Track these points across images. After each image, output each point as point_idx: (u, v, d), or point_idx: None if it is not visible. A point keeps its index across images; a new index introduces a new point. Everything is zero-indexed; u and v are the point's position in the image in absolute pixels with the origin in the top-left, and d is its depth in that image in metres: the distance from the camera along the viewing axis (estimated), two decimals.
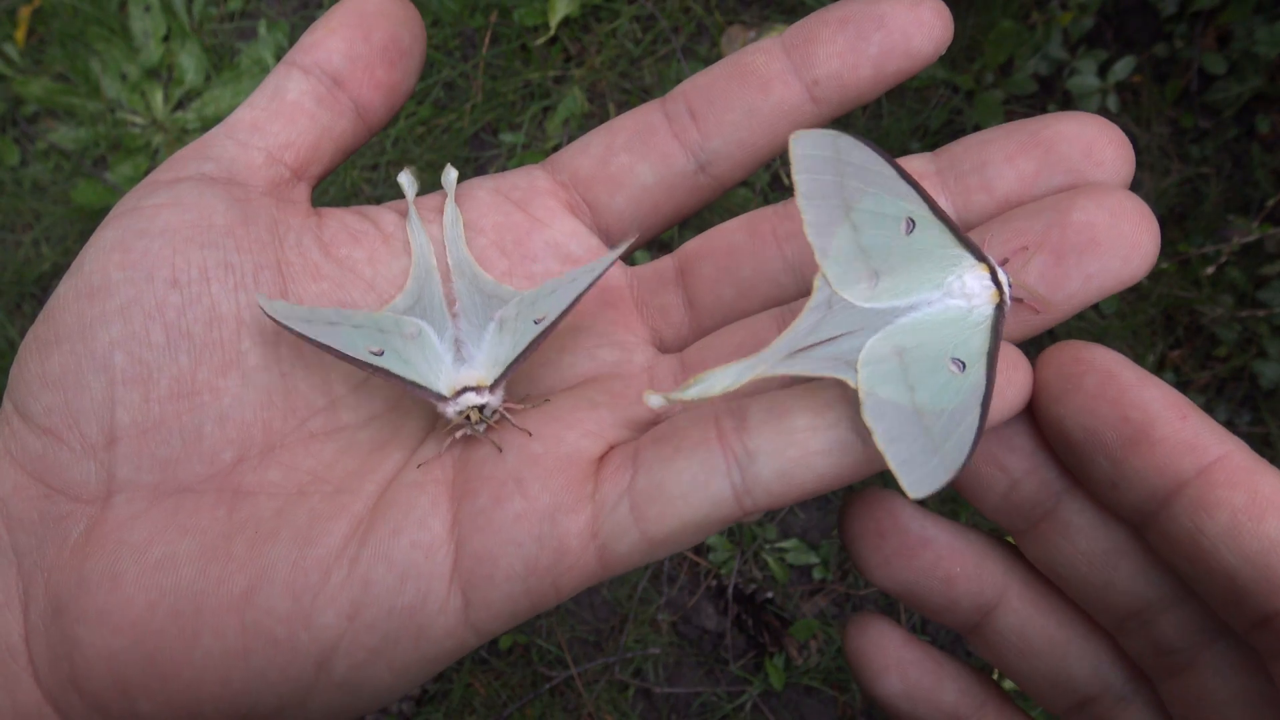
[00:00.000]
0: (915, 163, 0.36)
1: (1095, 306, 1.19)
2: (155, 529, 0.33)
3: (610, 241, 0.40)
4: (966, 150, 0.36)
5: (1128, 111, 1.24)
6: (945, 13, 0.36)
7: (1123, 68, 1.22)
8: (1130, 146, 0.34)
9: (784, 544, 1.17)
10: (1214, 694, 0.33)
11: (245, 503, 0.34)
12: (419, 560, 0.32)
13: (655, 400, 0.31)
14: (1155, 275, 1.18)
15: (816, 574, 1.17)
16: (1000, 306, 0.32)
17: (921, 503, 0.35)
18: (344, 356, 0.35)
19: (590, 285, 0.36)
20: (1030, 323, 0.33)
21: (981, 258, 0.32)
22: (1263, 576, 0.29)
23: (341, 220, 0.39)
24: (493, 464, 0.34)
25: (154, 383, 0.34)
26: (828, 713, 1.16)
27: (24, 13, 1.37)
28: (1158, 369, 1.18)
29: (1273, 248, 1.16)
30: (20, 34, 1.37)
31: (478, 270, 0.40)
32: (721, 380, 0.31)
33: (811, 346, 0.32)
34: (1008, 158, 0.35)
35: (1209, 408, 1.17)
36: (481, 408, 0.35)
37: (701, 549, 1.19)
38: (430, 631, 0.32)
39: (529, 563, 0.32)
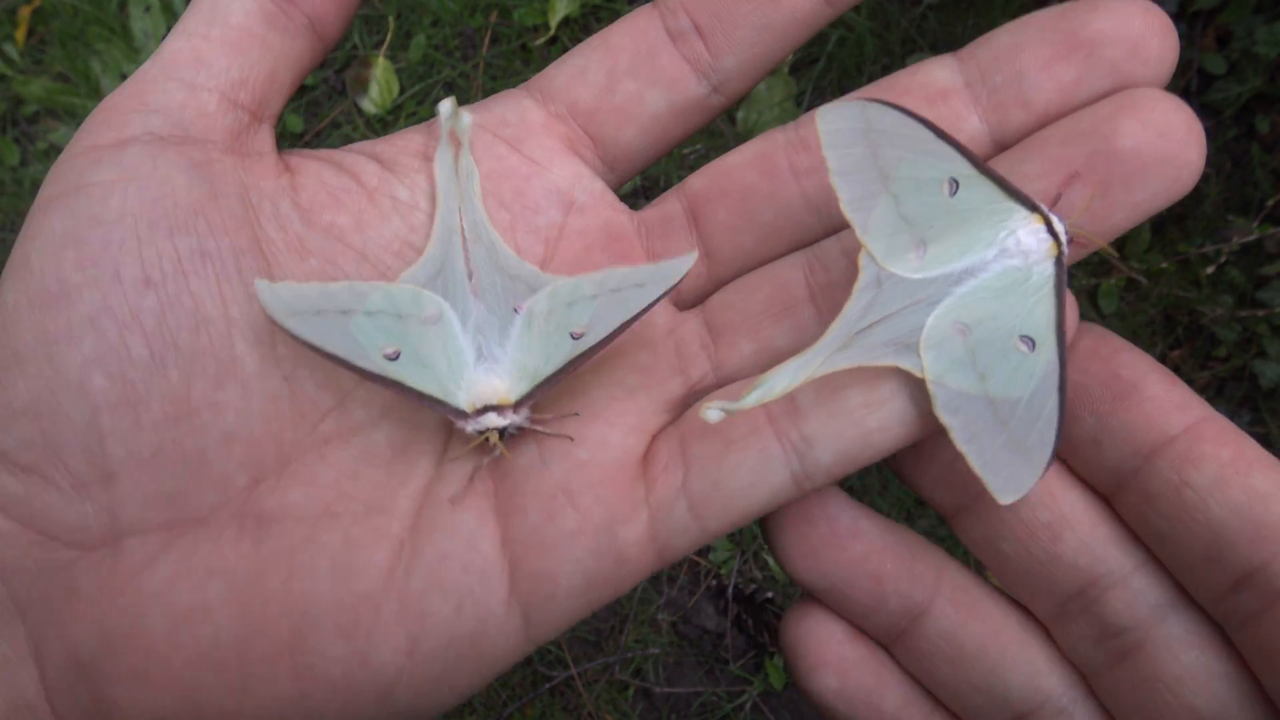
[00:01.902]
0: (938, 71, 0.33)
1: (1095, 306, 1.19)
2: (176, 574, 0.30)
3: (615, 178, 0.37)
4: (998, 58, 0.32)
5: None
6: None
7: None
8: (1173, 29, 0.31)
9: None
10: (1164, 674, 0.31)
11: (270, 532, 0.31)
12: (474, 585, 0.30)
13: (714, 415, 0.29)
14: (1155, 275, 1.18)
15: None
16: (1059, 259, 0.30)
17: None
18: (357, 369, 0.31)
19: (648, 309, 0.32)
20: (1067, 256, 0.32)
21: (1034, 207, 0.30)
22: (1248, 528, 0.29)
23: (318, 177, 0.34)
24: (537, 475, 0.32)
25: (144, 406, 0.30)
26: None
27: (24, 13, 1.37)
28: None
29: (1273, 248, 1.16)
30: (20, 34, 1.37)
31: (498, 241, 0.34)
32: (779, 383, 0.29)
33: (866, 330, 0.30)
34: (1045, 66, 0.31)
35: None
36: (503, 430, 0.32)
37: (702, 549, 1.19)
38: (491, 652, 0.31)
39: (589, 577, 0.31)
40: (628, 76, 0.35)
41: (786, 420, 0.31)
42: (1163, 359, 1.19)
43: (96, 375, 0.29)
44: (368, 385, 0.33)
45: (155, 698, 0.29)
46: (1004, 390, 0.30)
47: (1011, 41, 0.32)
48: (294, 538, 0.31)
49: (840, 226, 0.34)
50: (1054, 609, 0.33)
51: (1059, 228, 0.30)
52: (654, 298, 0.31)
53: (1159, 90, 0.30)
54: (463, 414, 0.32)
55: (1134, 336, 1.19)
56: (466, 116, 0.35)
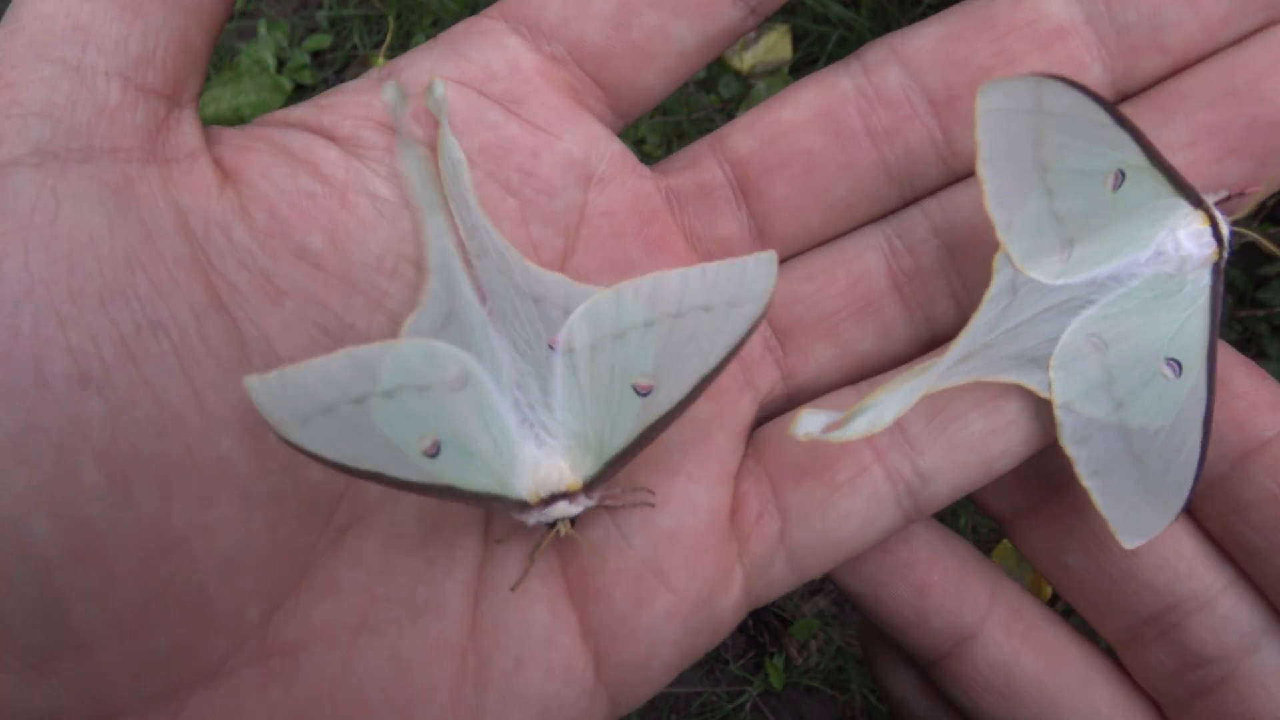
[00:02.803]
0: (1054, 5, 0.27)
1: None
2: None
3: (620, 127, 0.29)
4: None
5: None
6: None
7: None
8: None
9: None
10: (1257, 713, 0.27)
11: (301, 668, 0.25)
12: (557, 689, 0.26)
13: (802, 437, 0.25)
14: None
15: None
16: (1217, 266, 0.26)
17: None
18: (397, 484, 0.24)
19: (739, 348, 0.25)
20: None
21: (1198, 202, 0.26)
22: None
23: (270, 180, 0.26)
24: (617, 551, 0.27)
25: (111, 550, 0.22)
26: (827, 713, 1.16)
27: None
28: None
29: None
30: None
31: (507, 250, 0.27)
32: (890, 408, 0.25)
33: (992, 342, 0.26)
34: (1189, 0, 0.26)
35: None
36: (575, 518, 0.26)
37: None
38: None
39: (683, 653, 0.27)
40: (647, 5, 0.27)
41: (898, 454, 0.27)
42: None
43: (38, 521, 0.21)
44: None
45: None
46: (1142, 420, 0.26)
47: None
48: (331, 668, 0.25)
49: (923, 196, 0.29)
50: (1126, 633, 0.29)
51: (1224, 229, 0.26)
52: (741, 332, 0.25)
53: None
54: (525, 505, 0.26)
55: None
56: (440, 86, 0.26)
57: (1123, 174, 0.26)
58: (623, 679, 0.27)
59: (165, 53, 0.24)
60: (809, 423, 0.25)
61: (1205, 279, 0.26)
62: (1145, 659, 0.29)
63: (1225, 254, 0.26)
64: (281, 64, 1.33)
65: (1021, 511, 0.30)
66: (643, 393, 0.25)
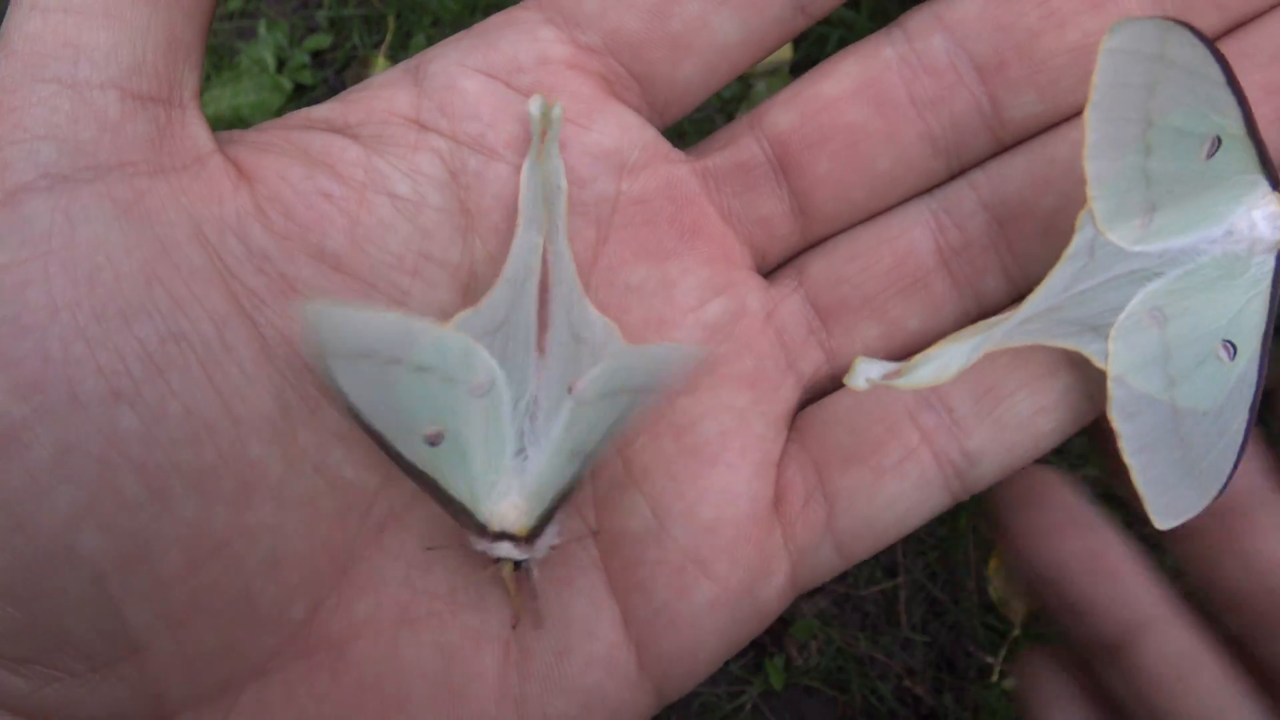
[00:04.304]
0: None
1: None
2: None
3: (660, 124, 0.29)
4: None
5: None
6: None
7: None
8: None
9: None
10: None
11: (347, 661, 0.25)
12: (600, 679, 0.26)
13: (862, 384, 0.25)
14: None
15: None
16: None
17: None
18: (394, 456, 0.25)
19: (635, 415, 0.25)
20: None
21: (1277, 184, 0.26)
22: None
23: (286, 180, 0.26)
24: (656, 542, 0.27)
25: (158, 556, 0.23)
26: (828, 713, 1.16)
27: None
28: None
29: None
30: None
31: (578, 287, 0.27)
32: (955, 359, 0.24)
33: (1058, 306, 0.26)
34: None
35: None
36: (518, 564, 0.26)
37: None
38: None
39: (728, 642, 0.27)
40: None
41: (945, 436, 0.27)
42: None
43: (87, 534, 0.22)
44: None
45: None
46: (1192, 400, 0.26)
47: None
48: (376, 660, 0.25)
49: (971, 168, 0.28)
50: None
51: None
52: (642, 410, 0.25)
53: None
54: (483, 531, 0.26)
55: None
56: (558, 108, 0.26)
57: (1219, 141, 0.25)
58: (666, 669, 0.27)
59: (155, 54, 0.24)
60: (867, 370, 0.25)
61: (1270, 263, 0.26)
62: None
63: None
64: (281, 64, 1.34)
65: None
66: (576, 456, 0.25)
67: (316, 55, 1.35)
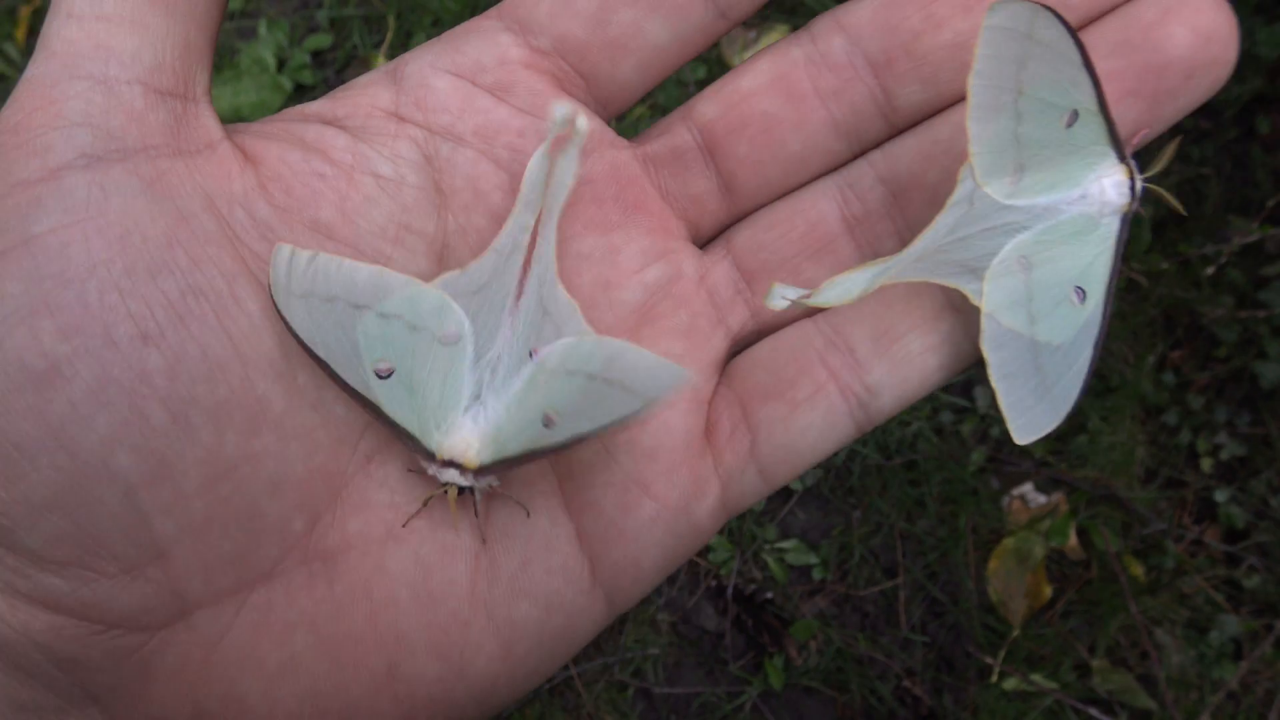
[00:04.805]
0: None
1: None
2: (257, 635, 0.28)
3: (606, 115, 0.33)
4: None
5: None
6: None
7: None
8: None
9: (784, 544, 1.17)
10: None
11: (339, 570, 0.29)
12: (558, 585, 0.30)
13: (781, 303, 0.29)
14: (1155, 276, 1.18)
15: (816, 574, 1.17)
16: (1125, 216, 0.30)
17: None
18: (338, 381, 0.29)
19: (613, 426, 0.28)
20: None
21: (1123, 158, 0.30)
22: None
23: (285, 163, 0.30)
24: (604, 468, 0.31)
25: (180, 474, 0.27)
26: (827, 713, 1.16)
27: (24, 12, 1.37)
28: (1158, 369, 1.18)
29: (1273, 248, 1.16)
30: (20, 33, 1.37)
31: (553, 266, 0.31)
32: (856, 285, 0.29)
33: (944, 247, 0.30)
34: None
35: (1209, 408, 1.17)
36: (463, 489, 0.30)
37: (701, 549, 1.19)
38: (580, 635, 0.32)
39: (668, 555, 0.32)
40: (624, 4, 0.31)
41: (849, 373, 0.31)
42: (1163, 359, 1.19)
43: (120, 453, 0.26)
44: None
45: None
46: (1048, 335, 0.31)
47: None
48: (365, 570, 0.29)
49: (869, 149, 0.33)
50: None
51: (1138, 186, 0.30)
52: (628, 413, 0.28)
53: None
54: (431, 457, 0.30)
55: (1134, 337, 1.19)
56: (584, 122, 0.30)
57: (1076, 114, 0.30)
58: (615, 578, 0.31)
59: (173, 56, 0.28)
60: (783, 291, 0.30)
61: (1115, 225, 0.31)
62: None
63: (1134, 205, 0.30)
64: (282, 63, 1.33)
65: None
66: (546, 425, 0.29)
67: (317, 55, 1.35)
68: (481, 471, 0.29)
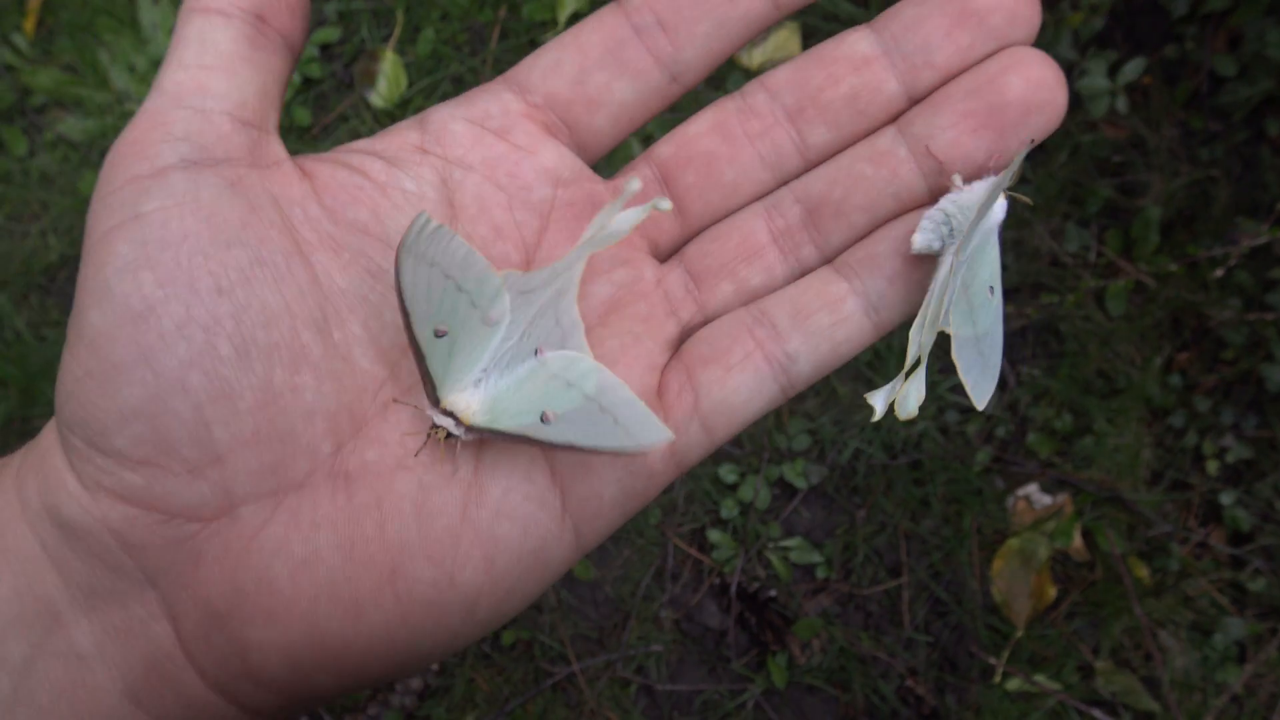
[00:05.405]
0: (861, 44, 0.40)
1: (1102, 309, 1.19)
2: (289, 530, 0.35)
3: (586, 159, 0.42)
4: (907, 29, 0.39)
5: (1137, 113, 1.24)
6: None
7: (1133, 69, 1.22)
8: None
9: (787, 542, 1.17)
10: None
11: (357, 487, 0.36)
12: (534, 510, 0.37)
13: (881, 406, 0.39)
14: (1163, 278, 1.18)
15: (820, 573, 1.17)
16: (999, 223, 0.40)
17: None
18: (408, 329, 0.36)
19: (603, 453, 0.35)
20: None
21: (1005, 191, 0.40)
22: None
23: (333, 178, 0.39)
24: None
25: (238, 396, 0.34)
26: (830, 712, 1.16)
27: (33, 4, 1.37)
28: (1165, 372, 1.18)
29: None
30: (29, 25, 1.37)
31: (575, 288, 0.38)
32: (915, 384, 0.39)
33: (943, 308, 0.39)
34: (946, 34, 0.39)
35: (1216, 411, 1.16)
36: (449, 434, 0.36)
37: (705, 547, 1.19)
38: (553, 562, 0.38)
39: (626, 491, 0.38)
40: (598, 69, 0.40)
41: (772, 343, 0.39)
42: (1170, 362, 1.18)
43: (194, 375, 0.34)
44: (408, 356, 0.38)
45: (285, 632, 0.35)
46: (983, 328, 0.40)
47: (916, 14, 0.39)
48: (378, 489, 0.36)
49: (789, 179, 0.42)
50: None
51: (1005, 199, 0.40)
52: (618, 446, 0.35)
53: (1032, 49, 0.38)
54: (435, 402, 0.36)
55: (1141, 339, 1.19)
56: (636, 182, 0.36)
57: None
58: (580, 508, 0.37)
59: (253, 98, 0.37)
60: (874, 400, 0.39)
61: (998, 229, 0.41)
62: None
63: (1005, 214, 0.40)
64: None
65: None
66: (544, 420, 0.36)
67: (325, 48, 1.35)
68: (472, 429, 0.36)
